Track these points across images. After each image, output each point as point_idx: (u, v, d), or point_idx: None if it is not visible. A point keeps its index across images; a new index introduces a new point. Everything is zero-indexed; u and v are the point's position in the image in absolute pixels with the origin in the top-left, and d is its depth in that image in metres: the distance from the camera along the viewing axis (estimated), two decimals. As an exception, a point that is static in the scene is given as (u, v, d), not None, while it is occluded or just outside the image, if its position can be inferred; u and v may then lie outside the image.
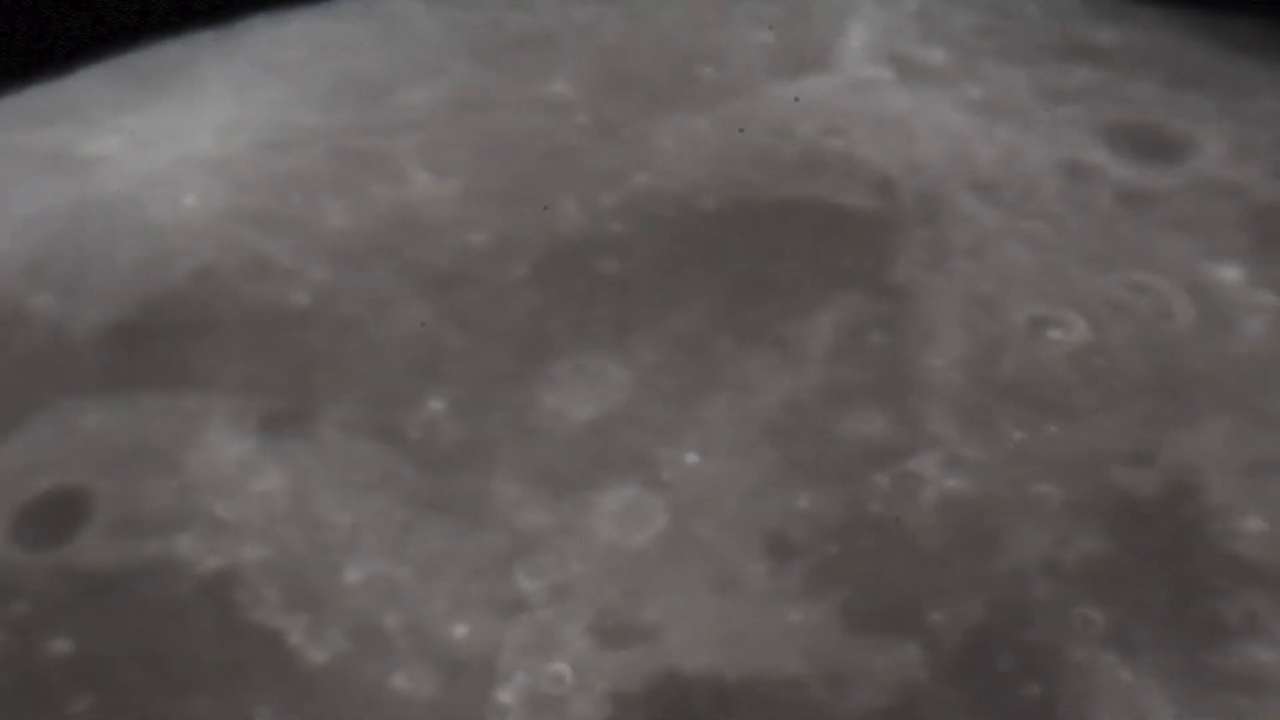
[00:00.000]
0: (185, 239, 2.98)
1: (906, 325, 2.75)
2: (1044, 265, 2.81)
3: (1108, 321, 2.71)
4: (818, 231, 2.94)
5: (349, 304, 2.84)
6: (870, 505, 2.51)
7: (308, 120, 3.26)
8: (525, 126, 3.22)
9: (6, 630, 2.41)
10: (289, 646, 2.37)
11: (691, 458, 2.58)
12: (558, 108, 3.27)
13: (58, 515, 2.56)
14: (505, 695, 2.31)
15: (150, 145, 3.23)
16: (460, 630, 2.38)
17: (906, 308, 2.78)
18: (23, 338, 2.86)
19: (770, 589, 2.41)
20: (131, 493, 2.57)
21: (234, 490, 2.57)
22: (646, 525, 2.50)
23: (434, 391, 2.70)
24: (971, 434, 2.58)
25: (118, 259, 2.94)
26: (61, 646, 2.39)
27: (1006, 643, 2.33)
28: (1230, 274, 2.77)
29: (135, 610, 2.43)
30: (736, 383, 2.69)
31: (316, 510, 2.54)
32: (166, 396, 2.70)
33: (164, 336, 2.81)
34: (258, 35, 3.62)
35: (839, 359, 2.71)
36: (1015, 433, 2.58)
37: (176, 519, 2.53)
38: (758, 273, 2.87)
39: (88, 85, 3.50)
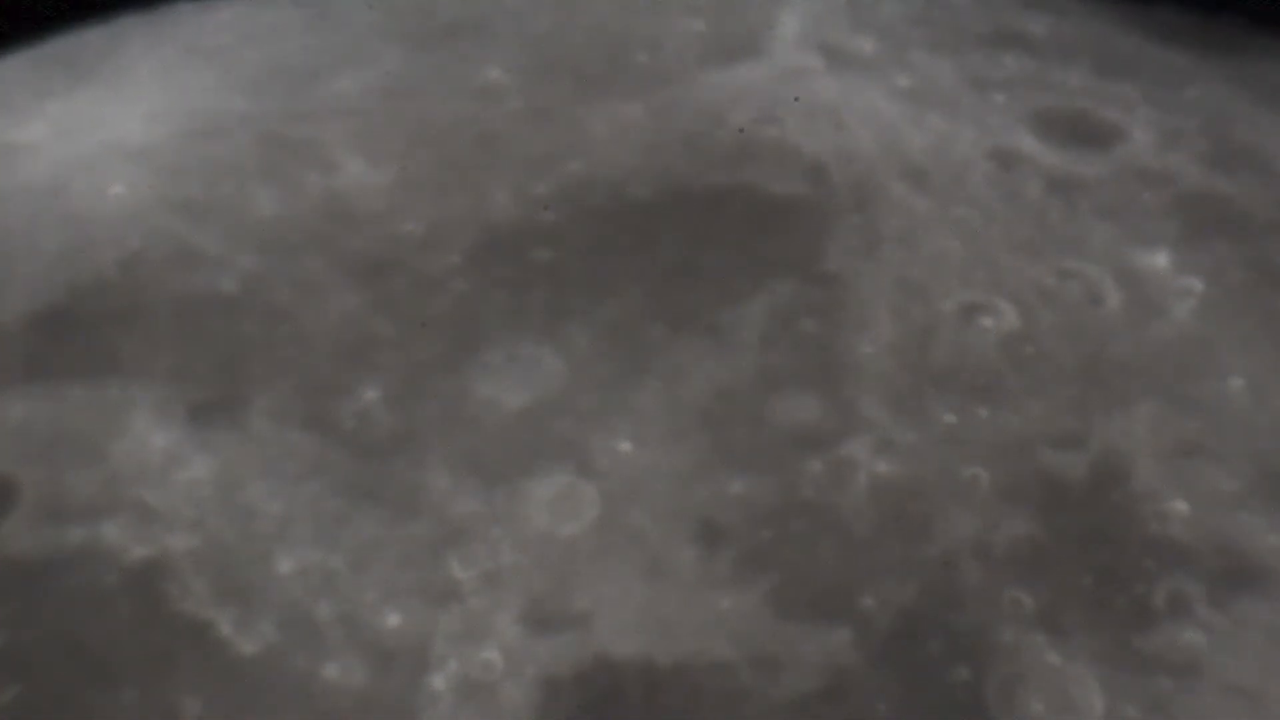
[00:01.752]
0: (112, 227, 2.95)
1: (838, 312, 2.75)
2: (974, 252, 2.83)
3: (1037, 308, 2.72)
4: (749, 219, 2.94)
5: (279, 292, 2.82)
6: (802, 491, 2.51)
7: (236, 107, 3.24)
8: (457, 113, 3.21)
9: (-70, 621, 2.39)
10: (218, 637, 2.35)
11: (624, 445, 2.58)
12: (490, 95, 3.26)
13: (-18, 504, 2.53)
14: (437, 683, 2.30)
15: (76, 132, 3.20)
16: (392, 619, 2.37)
17: (838, 294, 2.78)
18: (-53, 326, 2.82)
19: (701, 575, 2.41)
20: (56, 482, 2.54)
21: (161, 479, 2.54)
22: (579, 513, 2.50)
23: (366, 380, 2.68)
24: (903, 419, 2.59)
25: (43, 247, 2.91)
26: (-14, 637, 2.37)
27: (936, 626, 2.34)
28: (1158, 260, 2.79)
29: (60, 600, 2.40)
30: (669, 370, 2.69)
31: (247, 499, 2.52)
32: (92, 385, 2.68)
33: (90, 325, 2.78)
34: (185, 21, 3.59)
35: (771, 345, 2.71)
36: (946, 417, 2.59)
37: (103, 508, 2.51)
38: (690, 260, 2.87)
39: (11, 71, 3.46)
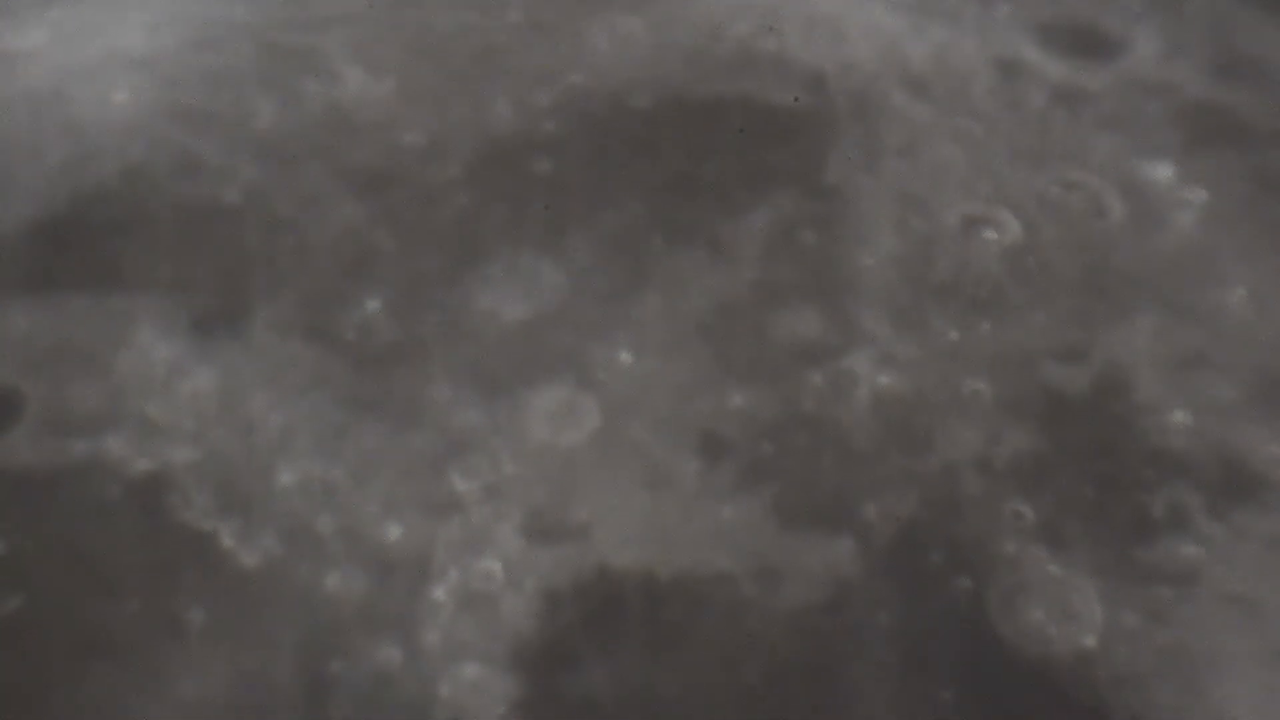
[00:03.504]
0: (114, 136, 2.87)
1: (839, 225, 2.70)
2: (976, 164, 2.76)
3: (1039, 220, 2.66)
4: (750, 131, 2.87)
5: (280, 203, 2.76)
6: (803, 403, 2.47)
7: (238, 16, 3.15)
8: (458, 24, 3.13)
9: (-67, 532, 2.35)
10: (220, 549, 2.32)
11: (624, 357, 2.54)
12: (490, 5, 3.17)
13: (-15, 416, 2.49)
14: (438, 593, 2.27)
15: (77, 40, 3.11)
16: (393, 530, 2.34)
17: (839, 207, 2.72)
18: (-52, 237, 2.76)
19: (702, 487, 2.38)
20: (60, 394, 2.50)
21: (164, 392, 2.50)
22: (579, 425, 2.46)
23: (367, 292, 2.63)
24: (904, 332, 2.54)
25: (45, 156, 2.84)
26: (-11, 548, 2.33)
27: (938, 538, 2.32)
28: (1161, 171, 2.73)
29: (64, 512, 2.37)
30: (669, 282, 2.64)
31: (249, 412, 2.48)
32: (95, 297, 2.62)
33: (93, 235, 2.72)
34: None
35: (771, 258, 2.65)
36: (948, 331, 2.54)
37: (106, 420, 2.46)
38: (690, 172, 2.81)
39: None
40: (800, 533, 2.33)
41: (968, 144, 2.79)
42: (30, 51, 3.09)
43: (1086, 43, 3.02)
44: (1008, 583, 2.26)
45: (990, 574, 2.27)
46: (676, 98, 2.93)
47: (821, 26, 3.09)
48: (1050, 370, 2.49)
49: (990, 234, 2.65)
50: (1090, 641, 2.21)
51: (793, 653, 2.22)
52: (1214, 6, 3.10)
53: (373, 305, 2.60)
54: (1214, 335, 2.52)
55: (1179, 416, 2.42)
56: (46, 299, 2.62)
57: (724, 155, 2.83)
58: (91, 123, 2.91)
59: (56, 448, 2.43)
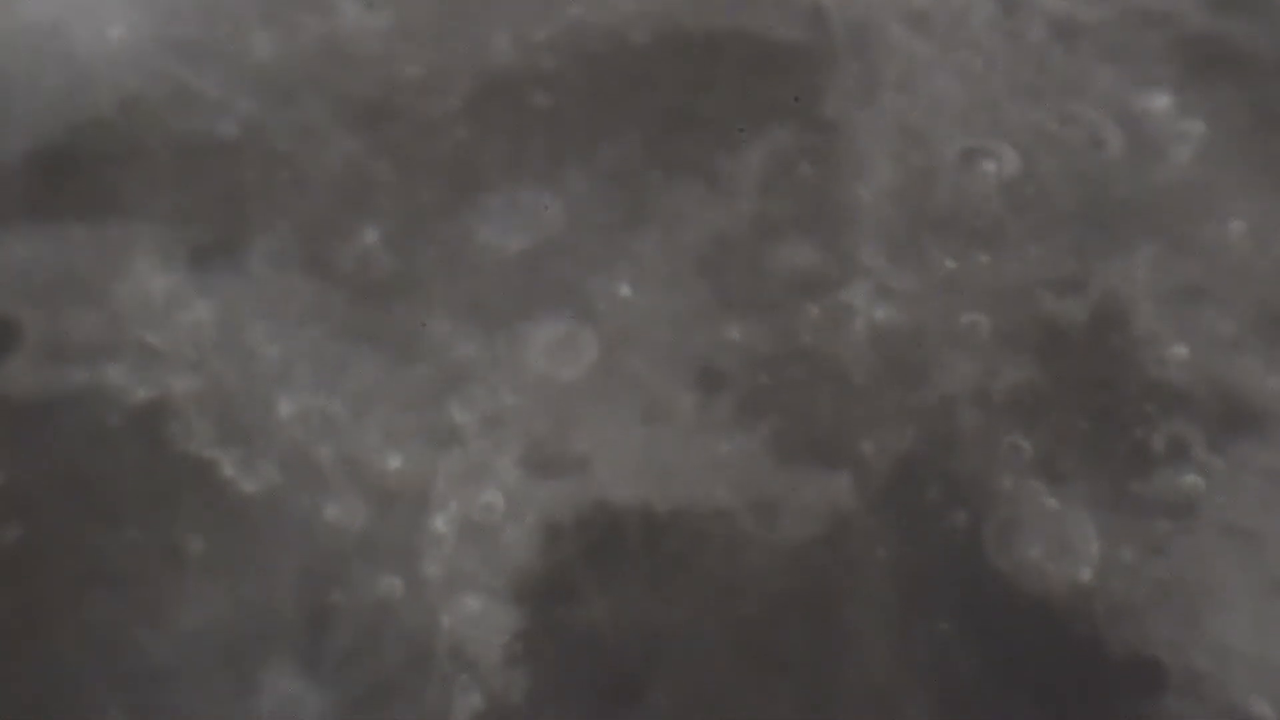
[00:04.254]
0: (111, 68, 2.82)
1: (837, 157, 2.65)
2: (975, 96, 2.71)
3: (1038, 152, 2.62)
4: (748, 64, 2.82)
5: (278, 136, 2.71)
6: (801, 337, 2.44)
7: (234, -52, 3.09)
8: (455, -44, 3.07)
9: (-68, 461, 2.33)
10: (220, 478, 2.30)
11: (623, 290, 2.51)
12: (488, -63, 3.11)
13: (-16, 345, 2.46)
14: (438, 524, 2.25)
15: (73, -28, 3.06)
16: (393, 461, 2.31)
17: (837, 140, 2.67)
18: (-55, 167, 2.71)
19: (700, 420, 2.36)
20: (59, 322, 2.46)
21: (163, 321, 2.47)
22: (578, 357, 2.43)
23: (365, 224, 2.59)
24: (902, 265, 2.51)
25: (42, 87, 2.79)
26: (-11, 476, 2.31)
27: (935, 472, 2.29)
28: (1159, 103, 2.68)
29: (63, 440, 2.34)
30: (668, 215, 2.60)
31: (248, 342, 2.45)
32: (93, 226, 2.58)
33: (90, 166, 2.67)
34: None
35: (769, 191, 2.61)
36: (945, 263, 2.51)
37: (105, 349, 2.43)
38: (688, 106, 2.76)
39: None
40: (798, 466, 2.31)
41: (966, 77, 2.74)
42: (27, -17, 3.03)
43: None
44: (1005, 516, 2.24)
45: (987, 508, 2.25)
46: (676, 32, 2.88)
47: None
48: (1048, 303, 2.45)
49: (988, 166, 2.61)
50: (1087, 575, 2.19)
51: (790, 586, 2.20)
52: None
53: (371, 237, 2.57)
54: (1212, 268, 2.48)
55: (1177, 349, 2.39)
56: (44, 228, 2.58)
57: (722, 88, 2.78)
58: (88, 55, 2.85)
59: (56, 376, 2.40)
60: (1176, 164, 2.60)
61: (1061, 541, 2.22)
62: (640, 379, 2.40)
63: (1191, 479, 2.27)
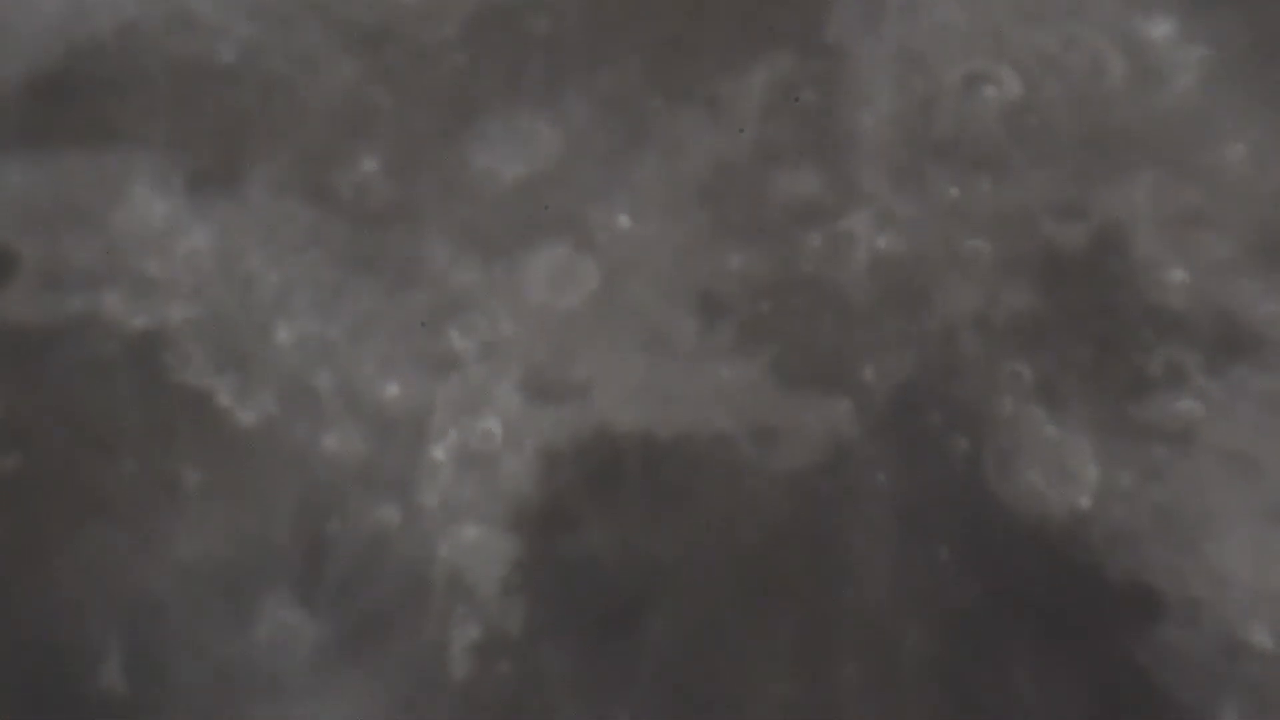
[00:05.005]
0: (107, -7, 2.76)
1: (838, 84, 2.59)
2: (977, 22, 2.64)
3: (1040, 78, 2.56)
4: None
5: (275, 62, 2.65)
6: (802, 264, 2.40)
7: None
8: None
9: (-70, 390, 2.30)
10: (218, 407, 2.27)
11: (622, 218, 2.46)
12: None
13: (-19, 274, 2.42)
14: (437, 453, 2.22)
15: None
16: (391, 389, 2.28)
17: (838, 66, 2.61)
18: (-59, 94, 2.67)
19: (701, 347, 2.33)
20: (56, 250, 2.42)
21: (161, 249, 2.43)
22: (577, 285, 2.39)
23: (363, 151, 2.54)
24: (903, 192, 2.46)
25: (39, 11, 2.72)
26: (-14, 406, 2.28)
27: (935, 398, 2.26)
28: (1162, 29, 2.61)
29: (60, 370, 2.31)
30: (668, 143, 2.55)
31: (245, 269, 2.41)
32: (91, 153, 2.53)
33: (88, 92, 2.62)
34: None
35: (770, 118, 2.56)
36: (947, 190, 2.46)
37: (102, 277, 2.39)
38: (689, 32, 2.70)
39: None
40: (798, 393, 2.27)
41: (969, 2, 2.68)
42: (22, -93, 2.97)
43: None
44: (1005, 443, 2.21)
45: (987, 434, 2.22)
46: (674, -45, 2.81)
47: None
48: (1049, 228, 2.41)
49: (990, 92, 2.55)
50: (1086, 501, 2.16)
51: (790, 513, 2.18)
52: None
53: (369, 164, 2.52)
54: (1213, 193, 2.43)
55: (1177, 274, 2.35)
56: (41, 155, 2.53)
57: (722, 14, 2.72)
58: (85, -21, 2.80)
59: (53, 304, 2.36)
60: (1178, 90, 2.54)
61: (1061, 467, 2.19)
62: (640, 307, 2.37)
63: (1189, 404, 2.23)
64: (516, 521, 2.16)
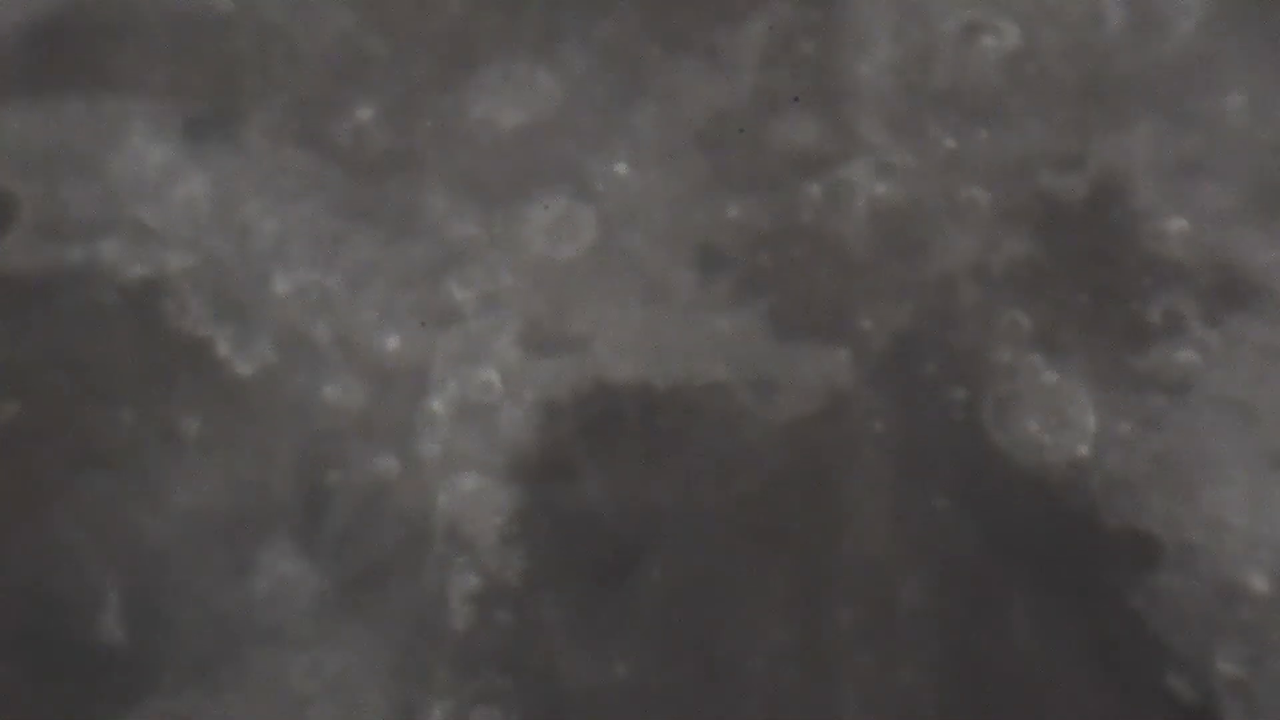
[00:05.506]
0: (103, -59, 2.72)
1: (837, 32, 2.55)
2: (976, -31, 2.61)
3: (1039, 26, 2.52)
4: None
5: (272, 9, 2.61)
6: (800, 214, 2.37)
7: None
8: None
9: (-73, 339, 2.27)
10: (216, 357, 2.24)
11: (621, 168, 2.43)
12: None
13: (-22, 221, 2.40)
14: (436, 404, 2.20)
15: None
16: (390, 340, 2.26)
17: (836, 15, 2.57)
18: (-62, 42, 2.63)
19: (699, 298, 2.30)
20: (54, 198, 2.39)
21: (158, 197, 2.39)
22: (576, 236, 2.36)
23: (361, 99, 2.50)
24: (902, 141, 2.43)
25: (34, -40, 2.69)
26: (-17, 354, 2.25)
27: (933, 347, 2.24)
28: (1163, -24, 2.58)
29: (59, 318, 2.28)
30: (666, 91, 2.51)
31: (243, 218, 2.38)
32: (88, 100, 2.49)
33: (84, 38, 2.58)
34: None
35: (769, 66, 2.52)
36: (945, 139, 2.42)
37: (100, 225, 2.36)
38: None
39: None
40: (796, 343, 2.25)
41: (967, -52, 2.65)
42: None
43: None
44: (1002, 392, 2.19)
45: (985, 383, 2.20)
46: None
47: None
48: (1048, 178, 2.38)
49: (989, 41, 2.51)
50: (1084, 449, 2.14)
51: (788, 462, 2.16)
52: None
53: (366, 112, 2.48)
54: (1213, 141, 2.40)
55: (1176, 223, 2.32)
56: (39, 101, 2.49)
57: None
58: (80, -74, 2.75)
59: (51, 253, 2.33)
60: (1177, 38, 2.51)
61: (1059, 416, 2.17)
62: (639, 257, 2.34)
63: (1188, 353, 2.21)
64: (515, 472, 2.14)
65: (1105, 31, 2.52)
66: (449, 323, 2.26)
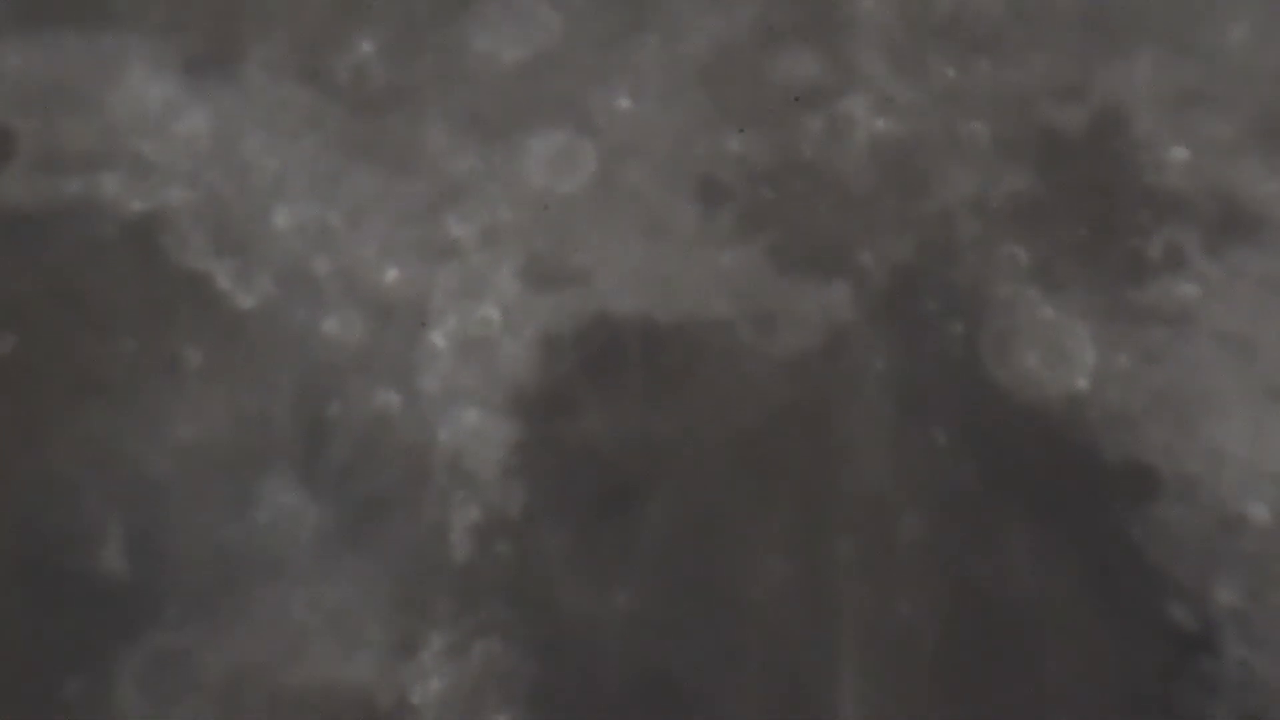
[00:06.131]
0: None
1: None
2: (977, -100, 2.56)
3: (1041, -43, 2.48)
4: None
5: (271, -56, 2.57)
6: (801, 148, 2.33)
7: None
8: None
9: (-74, 267, 2.25)
10: (217, 290, 2.21)
11: (622, 102, 2.39)
12: None
13: (-23, 156, 2.37)
14: (436, 338, 2.17)
15: None
16: (390, 274, 2.23)
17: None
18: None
19: (700, 233, 2.27)
20: (53, 132, 2.36)
21: (158, 131, 2.36)
22: (577, 170, 2.33)
23: (360, 33, 2.47)
24: (902, 74, 2.40)
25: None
26: (-17, 287, 2.23)
27: (933, 282, 2.21)
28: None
29: (59, 251, 2.25)
30: (667, 25, 2.48)
31: (243, 153, 2.34)
32: (87, 35, 2.46)
33: (82, -27, 2.54)
34: None
35: (771, 1, 2.47)
36: (946, 72, 2.39)
37: (99, 159, 2.33)
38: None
39: None
40: (797, 278, 2.22)
41: (969, -119, 2.59)
42: None
43: None
44: (1002, 326, 2.16)
45: (985, 317, 2.17)
46: None
47: None
48: (1048, 110, 2.34)
49: (991, -27, 2.47)
50: (1083, 383, 2.12)
51: (788, 396, 2.13)
52: None
53: (366, 47, 2.45)
54: (1213, 71, 2.37)
55: (1177, 154, 2.29)
56: (38, 37, 2.46)
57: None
58: None
59: (50, 186, 2.30)
60: (1180, -32, 2.47)
61: (1058, 350, 2.14)
62: (640, 192, 2.31)
63: (1188, 286, 2.18)
64: (516, 406, 2.12)
65: (1106, -38, 2.48)
66: (448, 257, 2.23)
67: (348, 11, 2.49)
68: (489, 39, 2.45)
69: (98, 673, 1.95)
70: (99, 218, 2.27)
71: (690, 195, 2.30)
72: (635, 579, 2.02)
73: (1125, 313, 2.17)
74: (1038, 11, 2.43)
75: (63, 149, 2.33)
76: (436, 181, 2.31)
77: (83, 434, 2.09)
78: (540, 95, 2.40)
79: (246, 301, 2.19)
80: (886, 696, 1.95)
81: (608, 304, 2.19)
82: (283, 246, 2.24)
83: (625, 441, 2.10)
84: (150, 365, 2.14)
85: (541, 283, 2.21)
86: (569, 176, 2.32)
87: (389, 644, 1.98)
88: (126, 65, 2.41)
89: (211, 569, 2.02)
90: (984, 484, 2.06)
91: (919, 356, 2.15)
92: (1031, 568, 2.01)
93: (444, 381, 2.13)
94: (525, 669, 1.97)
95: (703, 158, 2.33)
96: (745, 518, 2.06)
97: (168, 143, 2.34)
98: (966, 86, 2.37)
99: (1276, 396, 2.10)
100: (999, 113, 2.34)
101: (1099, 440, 2.07)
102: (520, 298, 2.20)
